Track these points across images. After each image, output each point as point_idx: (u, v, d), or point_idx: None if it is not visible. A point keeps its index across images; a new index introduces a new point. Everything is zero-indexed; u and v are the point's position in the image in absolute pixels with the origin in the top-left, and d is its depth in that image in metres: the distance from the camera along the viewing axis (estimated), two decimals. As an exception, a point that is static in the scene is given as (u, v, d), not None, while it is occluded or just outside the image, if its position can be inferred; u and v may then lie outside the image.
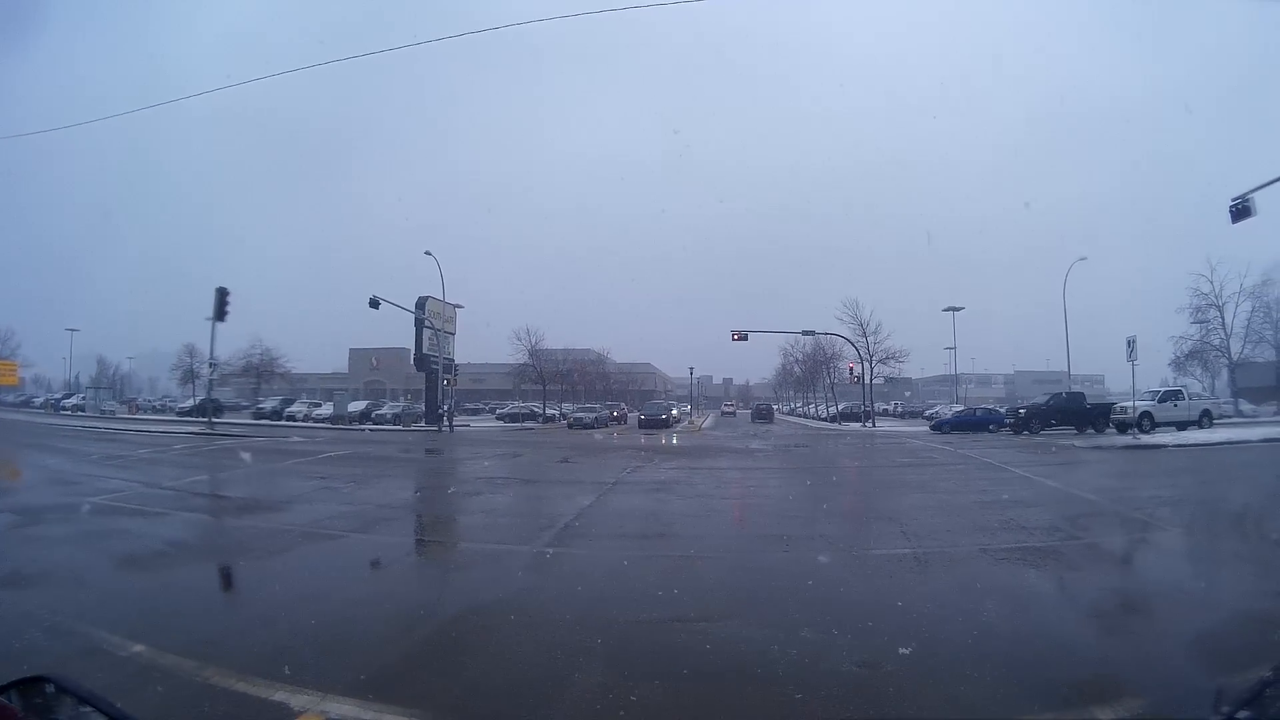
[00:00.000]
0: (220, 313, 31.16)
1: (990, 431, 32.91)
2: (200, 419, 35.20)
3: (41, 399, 59.68)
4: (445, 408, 38.35)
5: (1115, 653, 4.30)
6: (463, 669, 3.97)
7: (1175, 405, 28.05)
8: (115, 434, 27.95)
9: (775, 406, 73.59)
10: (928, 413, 53.03)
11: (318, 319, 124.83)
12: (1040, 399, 34.20)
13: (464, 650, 4.31)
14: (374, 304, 35.54)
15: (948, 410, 45.27)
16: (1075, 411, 30.71)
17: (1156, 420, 26.70)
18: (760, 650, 4.13)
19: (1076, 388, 37.73)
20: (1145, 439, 23.12)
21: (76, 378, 67.65)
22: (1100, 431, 28.36)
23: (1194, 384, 39.52)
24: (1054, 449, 20.91)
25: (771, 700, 3.49)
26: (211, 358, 33.51)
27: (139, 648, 4.11)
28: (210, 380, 35.43)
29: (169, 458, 18.39)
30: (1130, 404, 27.24)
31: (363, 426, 39.31)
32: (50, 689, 1.20)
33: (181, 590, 5.91)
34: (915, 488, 13.19)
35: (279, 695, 3.46)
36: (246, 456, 18.93)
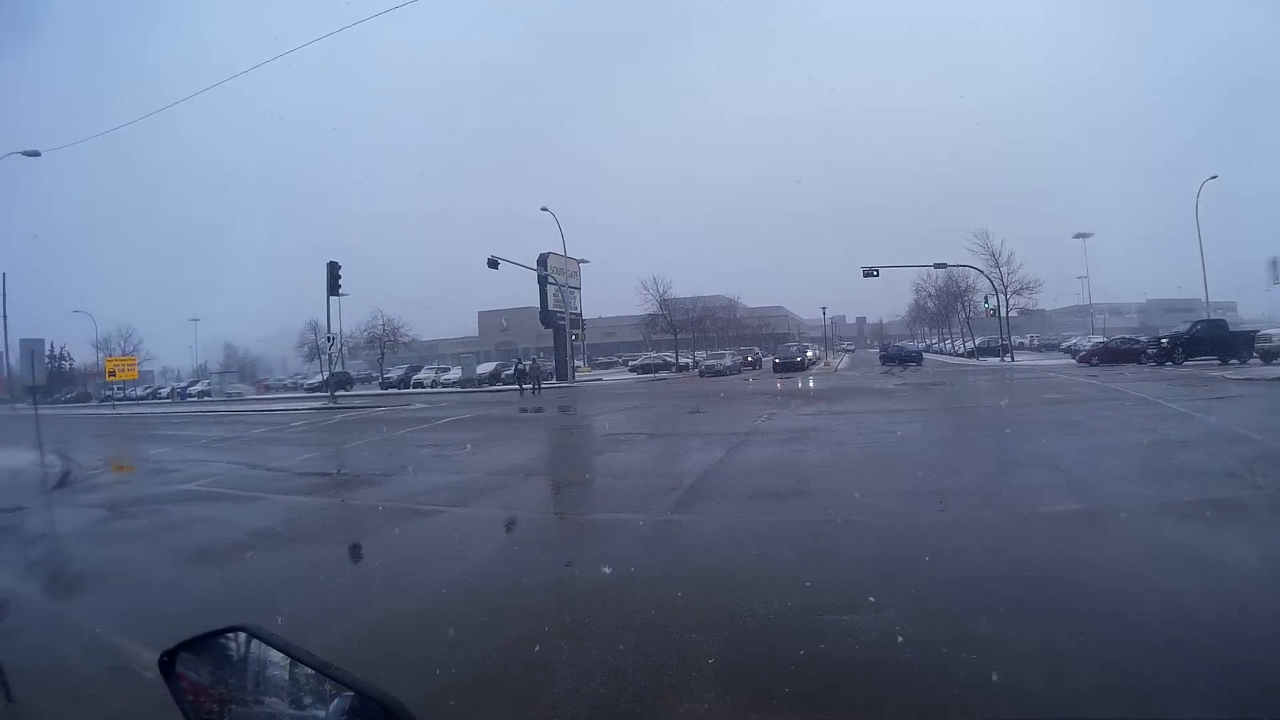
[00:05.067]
0: (333, 286, 32.46)
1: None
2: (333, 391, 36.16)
3: (168, 389, 61.92)
4: (525, 364, 35.05)
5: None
6: (553, 677, 3.27)
7: (1323, 333, 25.10)
8: (235, 416, 28.52)
9: (912, 343, 63.95)
10: (1065, 345, 49.48)
11: (450, 286, 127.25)
12: (1182, 328, 31.63)
13: (556, 655, 3.56)
14: (493, 264, 36.06)
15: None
16: (1218, 340, 28.33)
17: (1300, 349, 24.03)
18: (922, 653, 3.29)
19: (1211, 315, 34.58)
20: (1290, 370, 20.53)
21: (204, 365, 70.40)
22: (1244, 361, 25.98)
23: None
24: (1203, 382, 18.91)
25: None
26: (329, 331, 34.54)
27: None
28: (329, 354, 36.48)
29: (283, 436, 18.48)
30: (1276, 331, 25.25)
31: (492, 388, 39.12)
32: (246, 638, 1.19)
33: (247, 589, 5.27)
34: (1069, 428, 11.90)
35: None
36: (363, 428, 18.86)
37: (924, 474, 8.31)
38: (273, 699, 1.15)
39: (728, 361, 43.63)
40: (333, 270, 31.89)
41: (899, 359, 44.52)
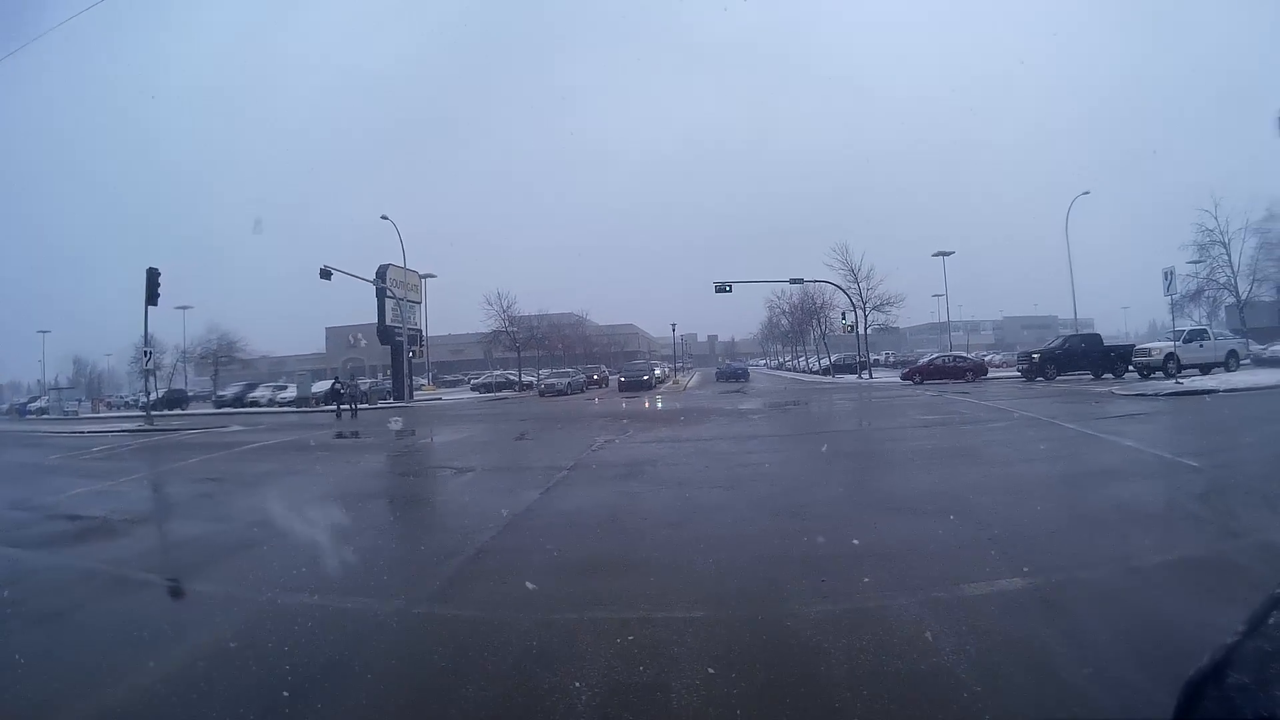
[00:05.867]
0: (152, 295, 29.20)
1: None
2: (165, 410, 34.53)
3: (6, 405, 58.66)
4: (340, 384, 32.23)
5: None
6: None
7: (1201, 346, 25.77)
8: (52, 438, 25.05)
9: (764, 361, 76.18)
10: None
11: (304, 301, 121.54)
12: (1054, 342, 32.12)
13: None
14: (325, 274, 34.06)
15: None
16: (1093, 355, 28.78)
17: (1182, 362, 24.50)
18: None
19: (1068, 332, 35.72)
20: (1187, 384, 20.49)
21: (56, 380, 66.03)
22: (1119, 376, 26.43)
23: (1190, 325, 37.55)
24: (1092, 398, 18.48)
25: None
26: (145, 345, 31.13)
27: None
28: (145, 369, 32.71)
29: (75, 464, 15.80)
30: (1156, 345, 25.49)
31: (327, 407, 35.46)
32: None
33: None
34: (964, 457, 10.15)
35: None
36: (159, 455, 16.58)
37: (794, 528, 6.24)
38: None
39: (569, 380, 42.02)
40: (152, 277, 28.57)
41: (730, 375, 48.81)
